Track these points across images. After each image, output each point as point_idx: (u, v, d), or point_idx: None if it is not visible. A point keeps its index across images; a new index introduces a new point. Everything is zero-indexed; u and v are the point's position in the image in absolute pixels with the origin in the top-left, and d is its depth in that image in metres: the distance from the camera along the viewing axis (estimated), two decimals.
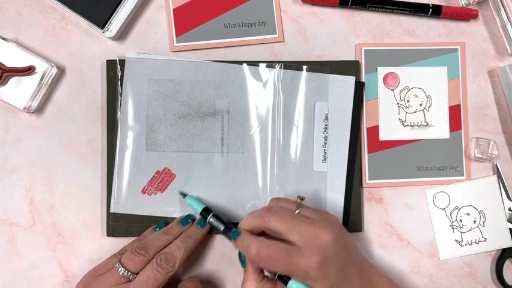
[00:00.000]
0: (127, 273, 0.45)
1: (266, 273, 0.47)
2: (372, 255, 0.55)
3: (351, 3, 0.55)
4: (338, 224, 0.46)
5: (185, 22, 0.55)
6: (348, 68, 0.55)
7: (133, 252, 0.46)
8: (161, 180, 0.53)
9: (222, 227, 0.49)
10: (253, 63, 0.54)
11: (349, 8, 0.56)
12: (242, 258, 0.46)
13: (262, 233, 0.46)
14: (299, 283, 0.43)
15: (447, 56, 0.57)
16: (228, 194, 0.53)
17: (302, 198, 0.46)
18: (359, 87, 0.55)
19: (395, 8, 0.56)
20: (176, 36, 0.55)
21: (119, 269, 0.45)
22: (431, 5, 0.56)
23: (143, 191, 0.53)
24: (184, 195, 0.52)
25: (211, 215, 0.50)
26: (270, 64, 0.54)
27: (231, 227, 0.48)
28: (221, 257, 0.54)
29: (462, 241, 0.56)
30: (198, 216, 0.51)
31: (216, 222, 0.49)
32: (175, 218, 0.53)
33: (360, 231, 0.55)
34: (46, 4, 0.55)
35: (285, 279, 0.44)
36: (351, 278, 0.44)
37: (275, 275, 0.45)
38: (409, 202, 0.56)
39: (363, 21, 0.57)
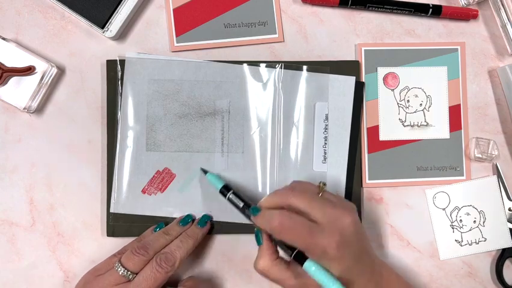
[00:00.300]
0: (127, 272, 0.45)
1: (281, 254, 0.46)
2: None
3: (351, 3, 0.55)
4: (356, 211, 0.46)
5: (185, 22, 0.55)
6: (348, 68, 0.55)
7: (132, 252, 0.46)
8: (161, 180, 0.53)
9: (241, 204, 0.48)
10: (253, 63, 0.54)
11: (349, 8, 0.56)
12: (259, 236, 0.46)
13: None
14: (316, 264, 0.42)
15: (447, 56, 0.57)
16: None
17: (324, 184, 0.47)
18: (359, 87, 0.55)
19: (395, 8, 0.56)
20: (176, 36, 0.55)
21: (119, 269, 0.45)
22: (431, 5, 0.56)
23: (143, 191, 0.53)
24: (205, 172, 0.53)
25: (230, 192, 0.49)
26: (270, 64, 0.54)
27: (250, 204, 0.48)
28: (221, 256, 0.54)
29: (462, 241, 0.56)
30: (218, 189, 0.51)
31: (235, 199, 0.49)
32: (175, 218, 0.53)
33: None
34: (46, 4, 0.55)
35: (300, 260, 0.43)
36: (364, 265, 0.44)
37: (290, 255, 0.44)
38: (409, 202, 0.56)
39: (363, 21, 0.57)
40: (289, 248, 0.44)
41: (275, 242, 0.46)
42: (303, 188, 0.46)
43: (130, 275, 0.45)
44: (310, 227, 0.42)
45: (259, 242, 0.46)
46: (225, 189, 0.50)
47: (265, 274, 0.45)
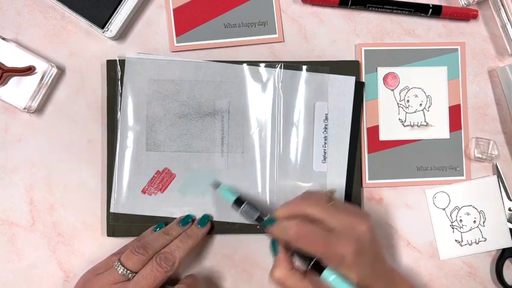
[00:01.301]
0: (126, 271, 0.45)
1: (296, 264, 0.46)
2: None
3: (351, 3, 0.55)
4: (371, 219, 0.46)
5: (185, 22, 0.55)
6: (348, 68, 0.55)
7: (132, 251, 0.46)
8: (161, 180, 0.53)
9: (256, 215, 0.48)
10: (253, 63, 0.54)
11: (349, 8, 0.56)
12: (275, 246, 0.46)
13: None
14: (335, 272, 0.42)
15: (447, 56, 0.57)
16: None
17: (333, 192, 0.48)
18: (359, 87, 0.55)
19: (395, 8, 0.56)
20: (177, 36, 0.55)
21: (119, 268, 0.45)
22: (431, 5, 0.56)
23: (143, 191, 0.53)
24: (216, 185, 0.52)
25: (244, 203, 0.49)
26: (270, 64, 0.54)
27: (264, 215, 0.48)
28: (221, 256, 0.54)
29: (462, 241, 0.56)
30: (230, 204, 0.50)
31: (250, 211, 0.49)
32: (175, 218, 0.53)
33: None
34: (46, 4, 0.55)
35: (318, 269, 0.43)
36: (380, 272, 0.44)
37: (307, 265, 0.44)
38: (409, 202, 0.56)
39: (363, 21, 0.57)
40: (306, 258, 0.44)
41: (291, 252, 0.46)
42: (316, 197, 0.46)
43: (129, 274, 0.45)
44: (328, 235, 0.43)
45: (275, 252, 0.46)
46: (239, 202, 0.49)
47: (281, 284, 0.44)
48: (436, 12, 0.56)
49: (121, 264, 0.46)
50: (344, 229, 0.43)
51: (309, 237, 0.43)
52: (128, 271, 0.45)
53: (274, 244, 0.46)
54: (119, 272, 0.45)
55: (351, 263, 0.42)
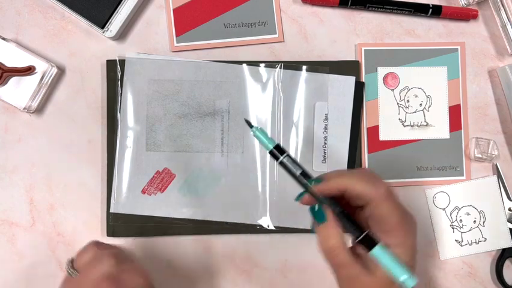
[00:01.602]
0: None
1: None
2: None
3: (351, 3, 0.55)
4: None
5: (185, 22, 0.55)
6: (348, 68, 0.55)
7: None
8: (161, 180, 0.53)
9: (298, 172, 0.40)
10: (253, 63, 0.54)
11: (349, 8, 0.56)
12: (321, 211, 0.39)
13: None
14: (385, 248, 0.38)
15: (447, 56, 0.57)
16: (228, 194, 0.53)
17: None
18: (359, 87, 0.55)
19: (395, 8, 0.56)
20: (177, 36, 0.55)
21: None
22: (431, 5, 0.56)
23: (143, 191, 0.53)
24: (250, 125, 0.41)
25: (285, 154, 0.40)
26: (270, 64, 0.54)
27: (308, 174, 0.40)
28: (221, 257, 0.54)
29: (462, 241, 0.56)
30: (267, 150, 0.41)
31: (290, 164, 0.40)
32: (174, 218, 0.53)
33: None
34: (46, 4, 0.55)
35: (367, 244, 0.38)
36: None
37: (356, 237, 0.39)
38: (409, 202, 0.56)
39: (363, 21, 0.57)
40: (357, 229, 0.39)
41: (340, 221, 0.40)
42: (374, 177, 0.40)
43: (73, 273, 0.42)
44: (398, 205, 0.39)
45: (321, 219, 0.39)
46: (278, 150, 0.40)
47: (333, 255, 0.38)
48: (436, 12, 0.56)
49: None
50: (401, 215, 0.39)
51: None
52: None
53: (320, 210, 0.39)
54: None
55: (410, 245, 0.38)
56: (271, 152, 0.40)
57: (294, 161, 0.40)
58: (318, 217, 0.39)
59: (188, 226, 0.53)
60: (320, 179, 0.39)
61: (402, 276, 0.37)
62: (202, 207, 0.53)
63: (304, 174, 0.40)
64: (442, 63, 0.57)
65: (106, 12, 0.53)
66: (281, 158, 0.40)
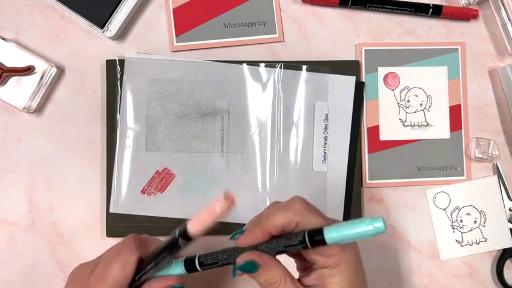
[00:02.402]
0: None
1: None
2: (372, 255, 0.55)
3: (351, 3, 0.55)
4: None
5: (185, 22, 0.55)
6: (348, 68, 0.55)
7: None
8: (160, 181, 0.53)
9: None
10: (253, 63, 0.54)
11: (349, 8, 0.56)
12: (251, 262, 0.37)
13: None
14: (330, 226, 0.34)
15: (447, 55, 0.57)
16: None
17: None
18: (359, 87, 0.55)
19: (395, 8, 0.56)
20: (176, 36, 0.55)
21: None
22: (431, 5, 0.56)
23: (143, 191, 0.53)
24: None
25: (196, 257, 0.41)
26: (270, 64, 0.54)
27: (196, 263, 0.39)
28: None
29: (462, 241, 0.56)
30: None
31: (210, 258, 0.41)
32: (174, 219, 0.52)
33: None
34: (46, 4, 0.55)
35: (318, 242, 0.34)
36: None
37: (303, 245, 0.35)
38: (409, 202, 0.56)
39: (363, 21, 0.57)
40: (296, 239, 0.36)
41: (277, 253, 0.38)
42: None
43: None
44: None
45: (254, 268, 0.38)
46: (189, 261, 0.41)
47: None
48: (436, 12, 0.56)
49: None
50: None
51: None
52: None
53: (250, 265, 0.38)
54: None
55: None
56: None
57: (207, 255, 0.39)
58: (249, 269, 0.38)
59: None
60: (240, 231, 0.38)
61: (369, 228, 0.32)
62: (202, 207, 0.53)
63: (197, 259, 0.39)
64: (442, 63, 0.57)
65: (106, 12, 0.53)
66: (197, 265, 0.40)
